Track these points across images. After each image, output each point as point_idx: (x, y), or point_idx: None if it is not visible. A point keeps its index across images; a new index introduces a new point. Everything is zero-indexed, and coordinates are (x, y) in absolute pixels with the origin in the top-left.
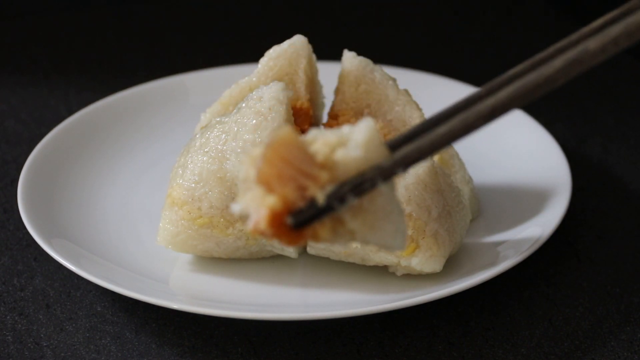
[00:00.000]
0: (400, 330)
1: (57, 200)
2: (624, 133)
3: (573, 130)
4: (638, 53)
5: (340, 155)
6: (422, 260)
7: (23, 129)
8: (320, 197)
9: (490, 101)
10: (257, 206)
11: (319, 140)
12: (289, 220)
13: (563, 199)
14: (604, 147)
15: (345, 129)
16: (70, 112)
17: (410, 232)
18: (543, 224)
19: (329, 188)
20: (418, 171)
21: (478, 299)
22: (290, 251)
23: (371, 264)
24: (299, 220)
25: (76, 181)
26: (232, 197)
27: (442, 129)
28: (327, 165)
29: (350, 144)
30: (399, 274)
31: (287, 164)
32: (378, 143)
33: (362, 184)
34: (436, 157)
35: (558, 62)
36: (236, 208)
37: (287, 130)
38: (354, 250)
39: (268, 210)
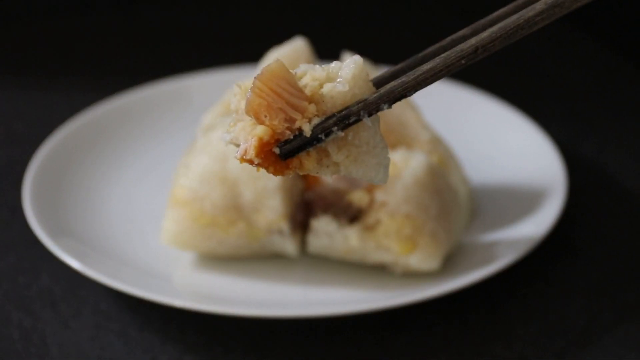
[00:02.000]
0: (399, 328)
1: (63, 200)
2: (619, 133)
3: (568, 130)
4: (633, 54)
5: (327, 89)
6: (420, 259)
7: (28, 130)
8: (307, 129)
9: (473, 41)
10: (246, 135)
11: (308, 74)
12: (277, 150)
13: (558, 198)
14: (599, 146)
15: (334, 64)
16: (75, 113)
17: (408, 231)
18: (539, 223)
19: (316, 121)
20: (417, 172)
21: (475, 297)
22: (291, 251)
23: (370, 262)
24: (286, 150)
25: (82, 181)
26: (234, 197)
27: (426, 67)
28: (315, 98)
29: (338, 79)
30: (397, 272)
31: (276, 96)
32: (364, 79)
33: (347, 118)
34: (434, 158)
35: (539, 5)
36: (226, 137)
37: (278, 64)
38: (353, 249)
39: (256, 139)
